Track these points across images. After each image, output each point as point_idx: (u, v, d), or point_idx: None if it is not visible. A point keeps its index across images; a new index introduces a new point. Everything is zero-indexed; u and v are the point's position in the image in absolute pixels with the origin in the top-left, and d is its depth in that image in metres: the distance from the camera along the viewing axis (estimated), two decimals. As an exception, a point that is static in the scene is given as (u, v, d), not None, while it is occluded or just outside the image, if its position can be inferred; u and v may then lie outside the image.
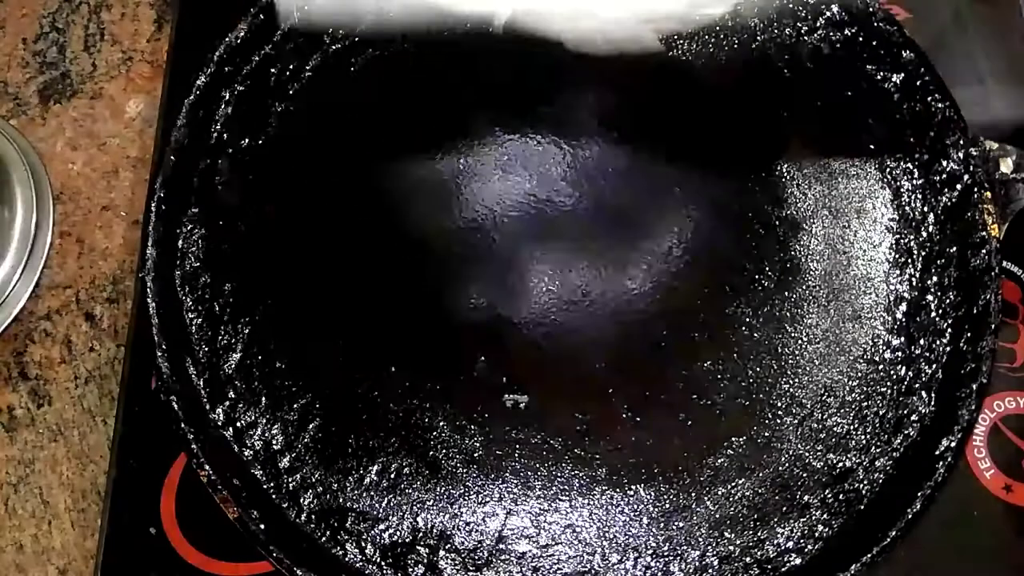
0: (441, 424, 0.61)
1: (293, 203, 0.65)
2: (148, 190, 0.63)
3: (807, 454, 0.61)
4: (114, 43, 0.79)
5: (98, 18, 0.79)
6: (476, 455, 0.61)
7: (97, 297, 0.72)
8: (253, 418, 0.61)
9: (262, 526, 0.57)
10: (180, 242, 0.63)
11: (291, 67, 0.67)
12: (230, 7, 0.68)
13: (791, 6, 0.67)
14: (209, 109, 0.64)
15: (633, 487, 0.60)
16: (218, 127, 0.65)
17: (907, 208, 0.65)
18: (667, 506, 0.60)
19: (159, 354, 0.59)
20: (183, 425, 0.58)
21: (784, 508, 0.60)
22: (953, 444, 0.58)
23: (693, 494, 0.60)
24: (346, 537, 0.59)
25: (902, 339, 0.63)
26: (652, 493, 0.61)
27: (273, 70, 0.67)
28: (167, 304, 0.61)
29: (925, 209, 0.64)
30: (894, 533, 0.56)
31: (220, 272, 0.63)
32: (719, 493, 0.60)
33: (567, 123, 0.67)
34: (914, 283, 0.64)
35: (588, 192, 0.66)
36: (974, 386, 0.59)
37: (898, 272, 0.64)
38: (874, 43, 0.66)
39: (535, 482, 0.60)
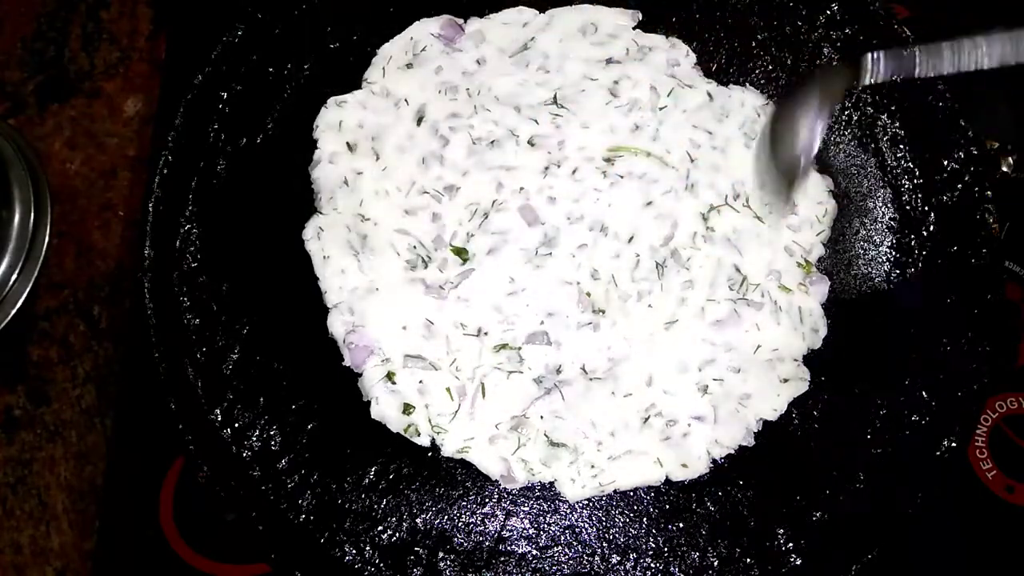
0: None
1: (291, 204, 0.65)
2: (145, 190, 0.62)
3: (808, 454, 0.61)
4: (112, 42, 0.78)
5: (96, 17, 0.79)
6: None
7: (95, 297, 0.72)
8: (251, 419, 0.61)
9: (260, 527, 0.57)
10: (178, 242, 0.63)
11: (289, 67, 0.67)
12: (222, 7, 0.68)
13: (792, 4, 0.67)
14: (207, 109, 0.64)
15: (634, 489, 0.60)
16: (216, 127, 0.65)
17: (908, 207, 0.65)
18: (667, 507, 0.60)
19: (157, 355, 0.59)
20: (181, 426, 0.58)
21: (784, 509, 0.60)
22: (954, 444, 0.58)
23: (693, 495, 0.60)
24: (344, 538, 0.59)
25: (903, 339, 0.63)
26: (652, 494, 0.60)
27: (271, 69, 0.66)
28: (165, 305, 0.61)
29: (926, 208, 0.64)
30: (894, 534, 0.56)
31: (218, 273, 0.63)
32: (719, 494, 0.60)
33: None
34: (915, 283, 0.64)
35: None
36: (975, 386, 0.59)
37: (899, 272, 0.64)
38: (874, 42, 0.65)
39: (535, 483, 0.60)
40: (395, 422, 0.60)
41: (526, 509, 0.60)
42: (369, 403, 0.61)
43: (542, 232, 0.63)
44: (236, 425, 0.61)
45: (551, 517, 0.60)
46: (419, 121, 0.65)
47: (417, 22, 0.67)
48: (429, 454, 0.61)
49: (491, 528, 0.60)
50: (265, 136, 0.66)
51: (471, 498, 0.60)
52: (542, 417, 0.60)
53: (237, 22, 0.64)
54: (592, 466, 0.60)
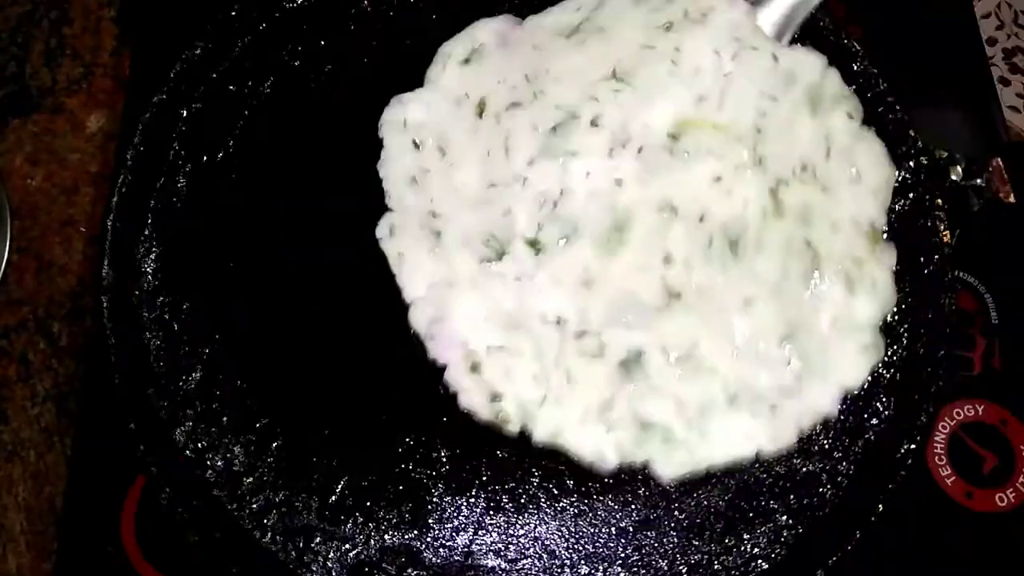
0: (406, 440, 0.61)
1: (252, 221, 0.64)
2: (104, 208, 0.62)
3: (771, 459, 0.62)
4: (75, 57, 0.78)
5: (59, 32, 0.78)
6: (443, 470, 0.60)
7: (56, 314, 0.71)
8: (214, 439, 0.60)
9: (224, 548, 0.57)
10: (138, 261, 0.62)
11: (249, 84, 0.66)
12: (189, 23, 0.68)
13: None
14: (166, 127, 0.64)
15: (601, 497, 0.60)
16: (176, 145, 0.64)
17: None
18: (635, 516, 0.61)
19: (117, 374, 0.58)
20: (142, 447, 0.57)
21: (751, 514, 0.60)
22: (912, 447, 0.59)
23: (662, 503, 0.61)
24: (311, 557, 0.59)
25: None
26: (620, 503, 0.61)
27: (231, 87, 0.66)
28: (125, 323, 0.60)
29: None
30: (857, 537, 0.57)
31: (179, 291, 0.63)
32: (687, 502, 0.61)
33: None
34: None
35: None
36: (931, 390, 0.60)
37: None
38: (828, 55, 0.67)
39: (503, 495, 0.60)
40: (484, 411, 0.60)
41: (494, 523, 0.60)
42: (335, 419, 0.60)
43: (612, 216, 0.62)
44: (199, 445, 0.60)
45: (520, 529, 0.60)
46: (480, 113, 0.64)
47: (477, 22, 0.67)
48: (396, 470, 0.61)
49: (460, 542, 0.59)
50: (226, 154, 0.65)
51: (439, 513, 0.60)
52: (628, 400, 0.60)
53: (197, 40, 0.64)
54: (684, 445, 0.59)
